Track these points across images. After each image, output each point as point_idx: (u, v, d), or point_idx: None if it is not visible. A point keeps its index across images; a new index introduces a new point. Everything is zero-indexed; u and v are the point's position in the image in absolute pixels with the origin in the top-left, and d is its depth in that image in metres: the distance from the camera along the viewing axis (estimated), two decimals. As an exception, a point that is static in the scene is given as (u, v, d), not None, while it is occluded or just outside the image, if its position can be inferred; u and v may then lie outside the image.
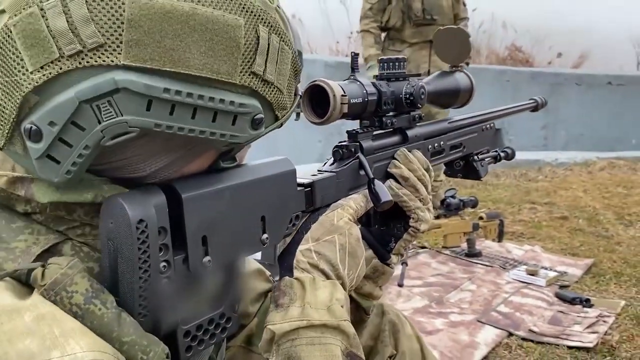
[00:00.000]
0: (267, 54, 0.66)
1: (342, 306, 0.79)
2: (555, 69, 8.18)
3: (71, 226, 0.67)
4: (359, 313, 1.08)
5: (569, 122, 7.38)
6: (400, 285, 2.98)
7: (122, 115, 0.57)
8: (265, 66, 0.66)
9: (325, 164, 0.99)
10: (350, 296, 1.05)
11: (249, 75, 0.65)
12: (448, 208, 3.36)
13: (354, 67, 1.02)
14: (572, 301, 2.85)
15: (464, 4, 4.24)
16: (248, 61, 0.64)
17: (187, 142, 0.67)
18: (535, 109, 1.64)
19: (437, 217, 3.43)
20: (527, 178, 6.00)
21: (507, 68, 7.75)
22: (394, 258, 1.08)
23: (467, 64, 4.32)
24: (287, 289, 0.80)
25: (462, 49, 1.29)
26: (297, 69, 0.74)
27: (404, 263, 3.06)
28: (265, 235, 0.78)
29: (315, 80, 0.95)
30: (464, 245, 3.55)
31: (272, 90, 0.69)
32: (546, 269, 3.28)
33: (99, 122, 0.57)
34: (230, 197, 0.72)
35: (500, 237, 3.75)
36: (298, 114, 1.00)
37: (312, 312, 0.76)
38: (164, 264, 0.65)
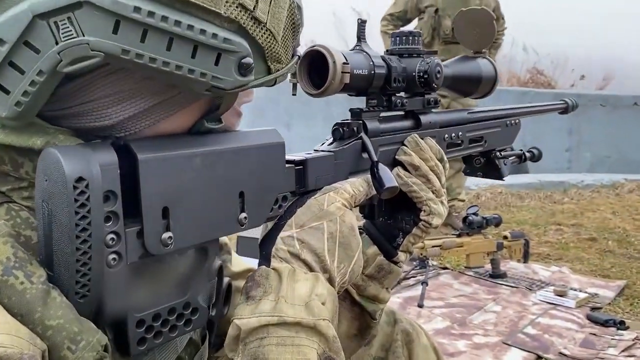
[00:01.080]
0: None
1: (322, 303, 0.66)
2: (579, 91, 8.01)
3: (17, 186, 0.57)
4: (364, 318, 0.94)
5: (594, 143, 7.18)
6: (420, 305, 2.83)
7: (83, 36, 0.49)
8: (257, 2, 0.58)
9: (323, 143, 0.87)
10: (354, 299, 0.92)
11: (237, 7, 0.56)
12: (470, 226, 3.20)
13: (360, 35, 0.90)
14: (605, 323, 2.66)
15: (503, 18, 4.14)
16: None
17: (165, 88, 0.58)
18: (565, 110, 1.48)
19: (459, 236, 3.27)
20: (552, 200, 5.80)
21: (529, 89, 7.62)
22: (401, 255, 0.94)
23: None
24: (262, 280, 0.67)
25: (485, 31, 1.16)
26: (296, 23, 0.66)
27: (424, 283, 2.90)
28: (243, 215, 0.66)
29: (314, 46, 0.84)
30: (488, 266, 3.38)
31: (264, 33, 0.60)
32: (575, 290, 3.09)
33: (56, 43, 0.49)
34: (201, 165, 0.61)
35: (525, 257, 3.58)
36: (295, 86, 0.88)
37: (287, 308, 0.64)
38: (111, 235, 0.54)
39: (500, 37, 4.20)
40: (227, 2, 0.55)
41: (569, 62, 8.82)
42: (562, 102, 1.46)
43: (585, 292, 3.05)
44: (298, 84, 0.86)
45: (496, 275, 3.32)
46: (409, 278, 3.19)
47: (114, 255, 0.54)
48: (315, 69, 0.83)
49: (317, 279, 0.68)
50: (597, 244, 4.17)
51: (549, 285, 3.17)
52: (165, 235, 0.58)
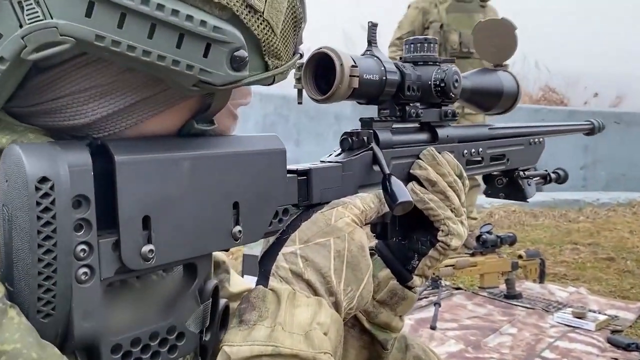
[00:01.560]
0: None
1: (325, 333, 0.59)
2: (593, 108, 7.91)
3: None
4: (374, 347, 0.86)
5: (609, 161, 7.06)
6: (433, 327, 2.73)
7: (51, 18, 0.43)
8: None
9: (330, 154, 0.79)
10: (363, 327, 0.84)
11: None
12: (484, 245, 3.12)
13: (371, 39, 0.82)
14: (627, 347, 2.57)
15: None
16: None
17: (148, 83, 0.52)
18: (591, 131, 1.40)
19: (472, 255, 3.17)
20: (567, 219, 5.68)
21: (542, 107, 7.53)
22: (416, 280, 0.86)
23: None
24: (258, 302, 0.60)
25: (506, 43, 1.08)
26: (297, 16, 0.59)
27: (437, 304, 2.81)
28: (237, 228, 0.59)
29: (321, 48, 0.77)
30: (503, 286, 3.29)
31: (261, 24, 0.54)
32: (594, 312, 3.00)
33: (21, 26, 0.43)
34: (190, 171, 0.54)
35: (541, 277, 3.48)
36: (300, 93, 0.81)
37: (283, 337, 0.57)
38: (82, 246, 0.47)
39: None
40: None
41: (581, 80, 8.73)
42: (588, 122, 1.38)
43: (605, 314, 2.96)
44: (304, 91, 0.79)
45: (511, 295, 3.23)
46: (421, 299, 3.09)
47: (85, 269, 0.47)
48: (322, 74, 0.76)
49: (320, 305, 0.61)
50: (615, 263, 4.06)
51: (567, 307, 3.07)
52: (146, 248, 0.51)
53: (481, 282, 3.26)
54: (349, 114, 5.87)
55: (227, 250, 0.69)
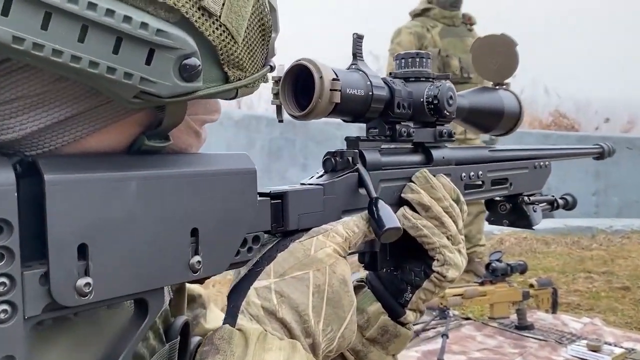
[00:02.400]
0: None
1: None
2: (604, 133, 7.82)
3: None
4: None
5: (621, 187, 6.96)
6: (440, 360, 2.61)
7: None
8: None
9: (312, 176, 0.72)
10: None
11: None
12: (494, 273, 3.02)
13: (356, 52, 0.76)
14: (646, 382, 2.42)
15: None
16: None
17: (87, 94, 0.46)
18: (600, 156, 1.32)
19: (481, 284, 3.07)
20: (580, 246, 5.56)
21: (552, 132, 7.47)
22: (410, 315, 0.78)
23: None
24: (222, 344, 0.52)
25: (507, 60, 1.01)
26: (265, 24, 0.53)
27: (445, 335, 2.70)
28: (196, 258, 0.51)
29: (299, 60, 0.70)
30: (514, 316, 3.17)
31: (217, 29, 0.47)
32: (610, 344, 2.88)
33: None
34: (138, 192, 0.47)
35: (554, 307, 3.35)
36: (279, 109, 0.74)
37: None
38: (1, 279, 0.40)
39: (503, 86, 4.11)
40: None
41: (592, 105, 8.68)
42: (597, 146, 1.31)
43: (621, 347, 2.83)
44: (283, 107, 0.72)
45: (523, 326, 3.10)
46: (428, 329, 2.98)
47: (4, 307, 0.40)
48: (302, 88, 0.69)
49: (294, 349, 0.53)
50: (631, 293, 3.94)
51: (581, 339, 2.94)
52: (82, 281, 0.43)
53: (491, 312, 3.15)
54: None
55: (200, 283, 0.62)
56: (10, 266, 0.40)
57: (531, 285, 3.30)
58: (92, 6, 0.40)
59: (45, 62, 0.40)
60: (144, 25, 0.42)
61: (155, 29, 0.43)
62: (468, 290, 2.95)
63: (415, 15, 4.09)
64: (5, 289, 0.40)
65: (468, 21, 4.05)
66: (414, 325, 0.82)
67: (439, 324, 3.01)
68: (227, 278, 3.40)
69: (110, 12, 0.41)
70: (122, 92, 0.44)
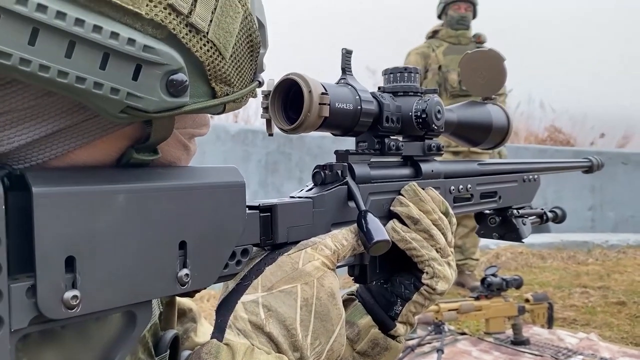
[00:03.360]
0: None
1: None
2: (599, 148, 7.85)
3: None
4: None
5: (617, 202, 6.97)
6: (435, 375, 2.59)
7: None
8: (194, 5, 0.46)
9: (302, 190, 0.73)
10: None
11: (165, 8, 0.44)
12: (489, 288, 3.00)
13: (345, 67, 0.77)
14: (642, 398, 2.41)
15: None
16: None
17: (73, 108, 0.46)
18: (589, 169, 1.34)
19: (477, 298, 3.06)
20: (576, 261, 5.55)
21: (548, 147, 7.48)
22: (400, 328, 0.79)
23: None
24: (209, 359, 0.52)
25: (495, 75, 1.03)
26: (254, 40, 0.53)
27: (440, 350, 2.68)
28: (184, 271, 0.52)
29: (289, 74, 0.71)
30: (509, 331, 3.15)
31: (205, 46, 0.48)
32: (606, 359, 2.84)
33: None
34: (126, 205, 0.47)
35: (550, 322, 3.34)
36: (269, 123, 0.75)
37: None
38: (-13, 293, 0.39)
39: (502, 105, 4.19)
40: (151, 0, 0.44)
41: (587, 120, 8.72)
42: (586, 160, 1.33)
43: (617, 362, 2.81)
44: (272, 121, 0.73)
45: (518, 341, 3.08)
46: (423, 344, 2.96)
47: (-11, 321, 0.40)
48: (292, 102, 0.70)
49: None
50: (627, 308, 3.92)
51: (577, 354, 2.93)
52: (69, 294, 0.43)
53: (487, 327, 3.13)
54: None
55: (190, 296, 0.62)
56: None
57: (527, 300, 3.29)
58: (79, 22, 0.40)
59: (32, 78, 0.40)
60: (131, 41, 0.43)
61: (142, 45, 0.43)
62: (464, 305, 2.94)
63: (428, 37, 4.33)
64: None
65: (478, 40, 4.18)
66: (408, 339, 0.82)
67: (435, 339, 2.99)
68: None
69: (97, 28, 0.41)
70: (109, 107, 0.44)
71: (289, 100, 0.69)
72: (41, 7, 0.39)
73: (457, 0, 4.19)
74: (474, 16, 4.27)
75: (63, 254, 0.43)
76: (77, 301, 0.44)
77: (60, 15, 0.40)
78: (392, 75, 0.84)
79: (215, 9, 0.48)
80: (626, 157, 7.27)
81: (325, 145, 5.46)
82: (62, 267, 0.43)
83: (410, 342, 2.76)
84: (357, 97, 0.73)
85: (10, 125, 0.44)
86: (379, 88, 0.85)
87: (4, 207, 0.41)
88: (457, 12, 4.19)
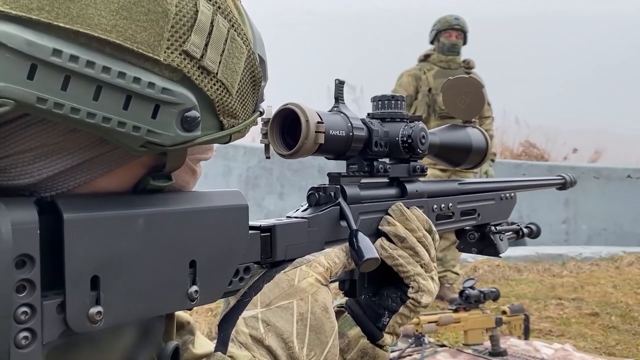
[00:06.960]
0: (209, 37, 0.51)
1: None
2: (572, 163, 8.04)
3: None
4: None
5: (590, 216, 7.13)
6: (416, 387, 2.64)
7: None
8: (205, 50, 0.51)
9: (297, 210, 0.78)
10: None
11: (180, 54, 0.49)
12: (467, 300, 3.05)
13: (338, 96, 0.83)
14: (614, 406, 2.48)
15: (489, 104, 4.35)
16: (180, 36, 0.49)
17: (96, 142, 0.50)
18: (563, 186, 1.41)
19: (455, 311, 3.12)
20: (551, 273, 5.66)
21: (523, 162, 7.64)
22: (387, 338, 0.84)
23: (493, 160, 4.37)
24: None
25: (475, 100, 1.10)
26: (256, 76, 0.59)
27: (420, 362, 2.73)
28: (194, 288, 0.56)
29: (287, 104, 0.76)
30: (487, 342, 3.20)
31: (214, 85, 0.53)
32: (581, 369, 2.92)
33: None
34: (144, 228, 0.52)
35: (526, 333, 3.40)
36: (267, 148, 0.80)
37: None
38: (24, 309, 0.44)
39: (489, 127, 4.31)
40: (168, 48, 0.48)
41: (560, 135, 8.92)
42: (559, 177, 1.40)
43: (591, 372, 2.89)
44: (271, 146, 0.79)
45: (496, 353, 3.14)
46: (404, 357, 3.01)
47: (25, 333, 0.44)
48: (289, 129, 0.75)
49: None
50: (600, 319, 4.02)
51: (553, 364, 3.00)
52: (94, 310, 0.48)
53: (465, 338, 3.19)
54: (332, 167, 5.91)
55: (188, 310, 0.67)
56: (32, 297, 0.44)
57: (504, 312, 3.35)
58: (106, 70, 0.45)
59: (64, 119, 0.44)
60: (151, 84, 0.48)
61: (161, 87, 0.48)
62: (442, 317, 2.99)
63: (420, 60, 4.47)
64: (27, 317, 0.44)
65: (467, 65, 4.33)
66: (390, 351, 0.87)
67: (415, 351, 3.04)
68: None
69: (122, 75, 0.46)
70: (130, 142, 0.49)
71: (286, 127, 0.75)
72: (73, 58, 0.43)
73: (449, 28, 4.32)
74: (464, 42, 4.42)
75: (89, 273, 0.48)
76: (101, 317, 0.48)
77: (90, 64, 0.44)
78: (380, 102, 0.90)
79: (223, 51, 0.53)
80: (597, 171, 7.45)
81: (305, 161, 5.52)
82: (88, 285, 0.48)
83: (392, 355, 2.81)
84: (349, 124, 0.79)
85: (40, 159, 0.49)
86: (368, 114, 0.91)
87: (38, 231, 0.45)
88: (448, 40, 4.34)
